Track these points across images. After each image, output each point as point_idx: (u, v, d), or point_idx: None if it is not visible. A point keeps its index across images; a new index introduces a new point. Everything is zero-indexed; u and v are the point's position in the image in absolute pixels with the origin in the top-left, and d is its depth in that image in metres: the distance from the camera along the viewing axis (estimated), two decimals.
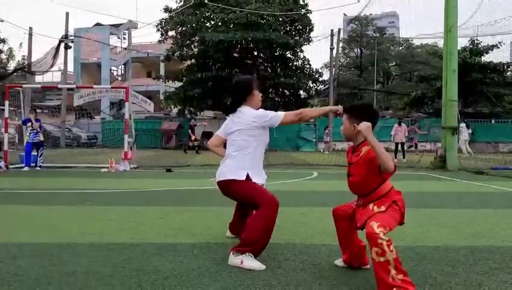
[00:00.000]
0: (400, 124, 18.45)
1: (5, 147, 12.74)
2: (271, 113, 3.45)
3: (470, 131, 22.08)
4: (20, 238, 3.99)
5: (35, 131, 12.50)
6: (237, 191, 3.37)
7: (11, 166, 12.56)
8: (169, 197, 7.08)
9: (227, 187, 3.41)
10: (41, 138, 12.77)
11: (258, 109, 3.57)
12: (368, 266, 3.02)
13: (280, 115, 3.44)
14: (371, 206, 2.76)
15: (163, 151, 26.22)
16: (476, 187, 8.88)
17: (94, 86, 18.93)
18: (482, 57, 31.41)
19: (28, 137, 12.54)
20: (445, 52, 14.15)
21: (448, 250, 3.63)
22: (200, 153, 21.75)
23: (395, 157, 17.23)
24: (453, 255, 3.48)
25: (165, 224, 4.72)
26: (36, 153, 12.66)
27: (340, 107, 3.36)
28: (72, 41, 33.05)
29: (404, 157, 17.66)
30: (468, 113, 33.38)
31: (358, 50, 54.36)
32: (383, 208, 2.69)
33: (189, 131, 24.90)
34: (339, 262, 3.21)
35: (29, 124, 12.61)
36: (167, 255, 3.44)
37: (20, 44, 40.65)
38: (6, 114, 13.08)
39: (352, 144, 2.98)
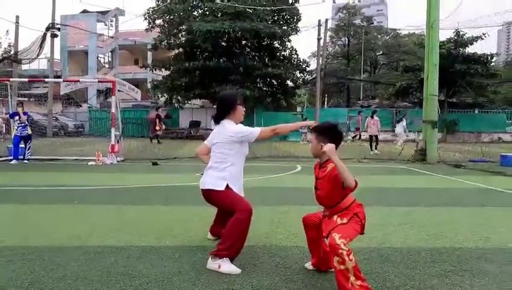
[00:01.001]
0: (372, 117, 18.52)
1: None
2: (248, 130, 3.71)
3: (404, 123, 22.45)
4: (13, 241, 4.23)
5: (23, 124, 12.61)
6: (217, 199, 3.66)
7: None
8: (154, 194, 7.33)
9: (209, 195, 3.69)
10: (29, 132, 12.88)
11: (239, 123, 3.83)
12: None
13: (256, 132, 3.70)
14: (335, 217, 3.05)
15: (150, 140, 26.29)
16: (451, 183, 9.27)
17: (81, 80, 18.92)
18: (467, 48, 31.87)
19: (16, 130, 12.64)
20: (427, 47, 14.45)
21: (410, 251, 3.95)
22: (161, 143, 22.59)
23: (371, 150, 17.57)
24: (414, 257, 3.80)
25: (149, 225, 4.99)
26: (24, 146, 12.78)
27: (312, 123, 3.62)
28: (59, 30, 32.77)
29: (376, 149, 17.65)
30: (452, 103, 33.96)
31: (346, 39, 54.57)
32: (345, 220, 2.99)
33: (157, 120, 24.68)
34: (308, 265, 3.52)
35: (17, 117, 12.70)
36: (151, 258, 3.71)
37: (7, 31, 40.08)
38: None
39: (319, 160, 3.25)
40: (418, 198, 7.18)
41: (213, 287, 3.09)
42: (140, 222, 5.14)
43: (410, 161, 14.13)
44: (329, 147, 3.00)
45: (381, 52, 56.27)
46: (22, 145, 12.73)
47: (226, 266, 3.39)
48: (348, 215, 3.02)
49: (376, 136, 18.18)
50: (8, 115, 14.06)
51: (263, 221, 5.07)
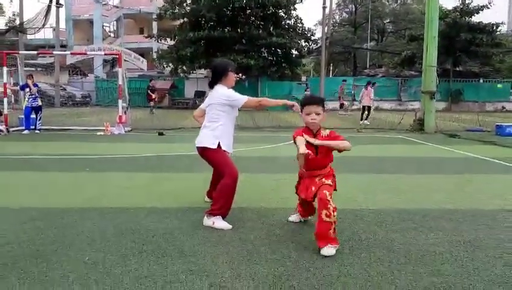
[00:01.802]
0: (366, 88, 18.84)
1: (5, 111, 13.41)
2: (236, 96, 4.22)
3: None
4: (35, 203, 4.82)
5: (33, 96, 13.15)
6: (209, 157, 4.22)
7: (11, 129, 13.30)
8: (160, 162, 7.91)
9: (203, 152, 4.26)
10: (40, 103, 13.43)
11: (230, 88, 4.34)
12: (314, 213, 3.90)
13: (243, 99, 4.21)
14: (317, 179, 3.56)
15: (156, 110, 26.81)
16: (441, 152, 9.76)
17: (88, 52, 19.25)
18: (473, 17, 31.67)
19: (27, 102, 13.19)
20: (426, 19, 14.66)
21: (382, 212, 4.50)
22: (154, 113, 22.43)
23: (361, 120, 18.04)
24: (384, 217, 4.34)
25: (154, 190, 5.57)
26: (35, 117, 13.36)
27: (295, 105, 4.05)
28: None
29: (366, 119, 18.15)
30: (458, 72, 33.98)
31: (353, 7, 53.96)
32: (330, 181, 3.52)
33: (148, 91, 24.80)
34: (292, 218, 4.12)
35: (27, 89, 13.23)
36: (156, 217, 4.29)
37: (11, 0, 40.13)
38: (5, 79, 13.68)
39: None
40: (404, 166, 7.70)
41: (207, 239, 3.66)
42: (146, 187, 5.73)
43: (408, 131, 14.59)
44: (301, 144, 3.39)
45: (388, 20, 55.70)
46: (32, 115, 13.31)
47: (219, 223, 3.96)
48: (330, 178, 3.55)
49: (369, 107, 18.55)
50: (18, 87, 14.59)
51: (257, 187, 5.63)
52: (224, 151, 4.19)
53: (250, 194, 5.19)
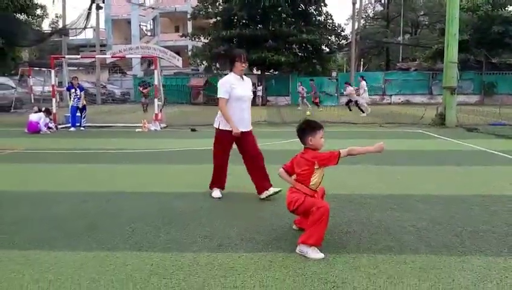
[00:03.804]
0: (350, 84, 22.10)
1: (54, 110, 14.81)
2: (218, 91, 5.19)
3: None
4: (84, 188, 5.92)
5: (78, 96, 14.49)
6: (214, 136, 5.38)
7: (59, 126, 14.70)
8: (190, 156, 8.93)
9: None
10: (84, 102, 14.78)
11: (241, 76, 5.21)
12: None
13: (219, 96, 5.18)
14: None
15: (191, 107, 28.09)
16: (452, 145, 10.37)
17: (127, 56, 20.59)
18: (508, 7, 31.23)
19: (73, 101, 14.56)
20: (447, 16, 15.09)
21: (370, 197, 5.30)
22: (147, 111, 21.31)
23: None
24: (372, 201, 5.15)
25: (184, 178, 6.58)
26: (80, 115, 14.72)
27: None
28: (104, 1, 34.56)
29: (351, 110, 21.01)
30: (492, 64, 33.56)
31: (386, 0, 53.66)
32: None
33: (140, 88, 24.41)
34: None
35: (73, 90, 14.60)
36: (184, 200, 5.27)
37: (53, 1, 42.36)
38: (53, 81, 15.10)
39: None
40: (411, 159, 8.42)
41: (223, 215, 4.60)
42: (178, 177, 6.75)
43: (430, 125, 15.08)
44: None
45: (422, 13, 55.08)
46: (78, 114, 14.66)
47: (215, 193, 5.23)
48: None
49: (355, 101, 20.66)
50: (65, 88, 16.01)
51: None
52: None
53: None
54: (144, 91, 23.38)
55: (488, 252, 3.60)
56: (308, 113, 20.00)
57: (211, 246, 3.73)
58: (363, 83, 21.51)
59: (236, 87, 5.12)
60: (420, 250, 3.63)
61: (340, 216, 4.55)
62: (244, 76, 5.28)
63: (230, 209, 4.84)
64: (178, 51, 36.61)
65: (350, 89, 21.65)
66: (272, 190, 5.20)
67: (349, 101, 21.95)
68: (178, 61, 30.38)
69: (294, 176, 3.81)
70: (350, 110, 21.44)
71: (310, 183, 3.67)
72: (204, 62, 33.47)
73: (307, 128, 3.74)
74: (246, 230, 4.13)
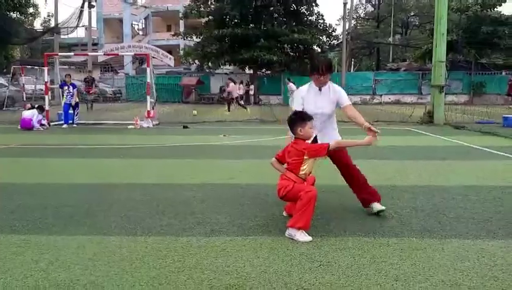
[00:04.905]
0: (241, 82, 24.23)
1: (47, 107, 14.85)
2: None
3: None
4: (82, 180, 6.05)
5: (71, 93, 14.56)
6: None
7: (51, 123, 14.75)
8: (181, 151, 9.08)
9: None
10: (77, 100, 14.86)
11: (319, 88, 4.37)
12: None
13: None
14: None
15: (183, 105, 28.16)
16: (439, 141, 10.62)
17: (119, 53, 20.72)
18: (497, 8, 31.60)
19: (65, 99, 14.62)
20: (436, 16, 15.37)
21: None
22: (91, 110, 21.49)
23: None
24: None
25: (175, 171, 6.73)
26: (72, 112, 14.79)
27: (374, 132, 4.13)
28: (96, 0, 34.55)
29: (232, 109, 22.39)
30: (480, 64, 33.99)
31: (377, 1, 54.15)
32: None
33: (84, 85, 23.11)
34: None
35: (66, 87, 14.67)
36: (175, 190, 5.42)
37: (45, 0, 42.32)
38: (46, 78, 15.15)
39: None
40: (402, 153, 8.64)
41: (216, 204, 4.76)
42: (170, 170, 6.91)
43: (418, 123, 15.34)
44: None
45: (413, 14, 55.66)
46: (70, 111, 14.72)
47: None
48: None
49: (236, 98, 23.05)
50: (58, 85, 16.06)
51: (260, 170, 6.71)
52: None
53: (255, 175, 6.27)
54: (88, 91, 22.69)
55: (467, 235, 3.80)
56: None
57: (204, 231, 3.89)
58: (291, 85, 23.05)
59: (309, 101, 4.37)
60: (403, 234, 3.82)
61: (329, 204, 4.73)
62: (329, 85, 4.39)
63: (221, 199, 5.00)
64: (170, 50, 36.65)
65: (232, 86, 23.19)
66: (377, 207, 4.39)
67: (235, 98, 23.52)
68: (170, 60, 30.48)
69: (285, 165, 3.98)
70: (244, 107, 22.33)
71: (300, 173, 3.84)
72: (196, 61, 33.57)
73: (296, 119, 3.91)
74: (237, 217, 4.30)
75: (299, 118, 3.89)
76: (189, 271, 3.04)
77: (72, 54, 21.31)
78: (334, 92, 4.37)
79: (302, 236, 3.64)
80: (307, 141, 3.89)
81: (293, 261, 3.21)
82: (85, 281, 2.90)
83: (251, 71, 33.30)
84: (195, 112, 20.09)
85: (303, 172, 3.84)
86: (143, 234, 3.82)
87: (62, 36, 40.80)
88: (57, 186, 5.70)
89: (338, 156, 4.42)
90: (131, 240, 3.66)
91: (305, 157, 3.81)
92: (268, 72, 34.33)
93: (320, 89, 4.36)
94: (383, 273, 3.02)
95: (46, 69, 15.20)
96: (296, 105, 4.40)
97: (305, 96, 4.39)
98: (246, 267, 3.11)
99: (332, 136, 4.38)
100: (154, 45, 32.37)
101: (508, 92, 26.79)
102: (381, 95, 34.04)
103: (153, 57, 25.81)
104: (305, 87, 4.46)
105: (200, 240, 3.65)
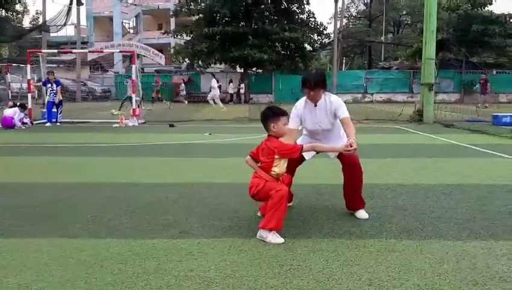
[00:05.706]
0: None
1: (29, 105, 14.55)
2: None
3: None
4: (57, 179, 5.82)
5: (55, 91, 14.27)
6: None
7: (34, 122, 14.46)
8: (165, 149, 8.86)
9: None
10: (60, 97, 14.57)
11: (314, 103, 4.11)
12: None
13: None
14: None
15: (173, 104, 27.83)
16: (427, 139, 10.48)
17: (104, 50, 20.52)
18: (487, 7, 31.62)
19: (49, 96, 14.34)
20: (425, 13, 15.24)
21: (341, 187, 5.28)
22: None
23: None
24: (339, 190, 5.01)
25: (154, 170, 6.52)
26: (56, 110, 14.50)
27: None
28: None
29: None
30: (471, 62, 33.99)
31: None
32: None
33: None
34: None
35: (49, 84, 14.38)
36: (150, 190, 5.21)
37: None
38: (29, 76, 14.85)
39: None
40: (386, 151, 8.47)
41: (189, 205, 4.56)
42: (148, 169, 6.68)
43: (407, 122, 15.21)
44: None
45: (405, 12, 55.68)
46: (54, 109, 14.44)
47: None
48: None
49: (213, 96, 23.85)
50: (41, 83, 15.76)
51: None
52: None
53: (236, 174, 6.08)
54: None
55: (447, 236, 3.62)
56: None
57: (172, 233, 3.68)
58: (214, 80, 24.72)
59: (306, 118, 4.18)
60: (381, 235, 3.64)
61: (306, 204, 4.55)
62: (325, 98, 4.10)
63: (195, 199, 4.79)
64: (161, 48, 36.34)
65: (214, 82, 24.56)
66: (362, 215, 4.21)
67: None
68: (161, 59, 30.18)
69: (259, 163, 3.77)
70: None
71: (271, 173, 3.63)
72: (186, 59, 33.29)
73: (269, 115, 3.69)
74: (208, 218, 4.09)
75: (272, 113, 3.68)
76: (148, 276, 2.83)
77: (55, 51, 20.90)
78: (331, 104, 4.06)
79: (274, 238, 3.44)
80: (280, 139, 3.68)
81: (261, 265, 3.01)
82: (34, 287, 2.68)
83: (242, 70, 33.08)
84: (113, 111, 18.98)
85: (274, 172, 3.62)
86: (107, 236, 3.61)
87: (51, 34, 40.40)
88: (31, 186, 5.47)
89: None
90: (93, 243, 3.44)
91: (275, 156, 3.59)
92: (259, 70, 34.14)
93: (315, 104, 4.10)
94: (356, 277, 2.83)
95: (29, 66, 14.89)
96: (291, 125, 3.97)
97: (301, 113, 4.15)
98: (210, 272, 2.90)
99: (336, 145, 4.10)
100: (145, 44, 32.03)
101: (482, 91, 26.65)
102: (372, 94, 33.98)
103: (144, 56, 25.56)
104: (301, 103, 4.18)
105: (166, 243, 3.44)
